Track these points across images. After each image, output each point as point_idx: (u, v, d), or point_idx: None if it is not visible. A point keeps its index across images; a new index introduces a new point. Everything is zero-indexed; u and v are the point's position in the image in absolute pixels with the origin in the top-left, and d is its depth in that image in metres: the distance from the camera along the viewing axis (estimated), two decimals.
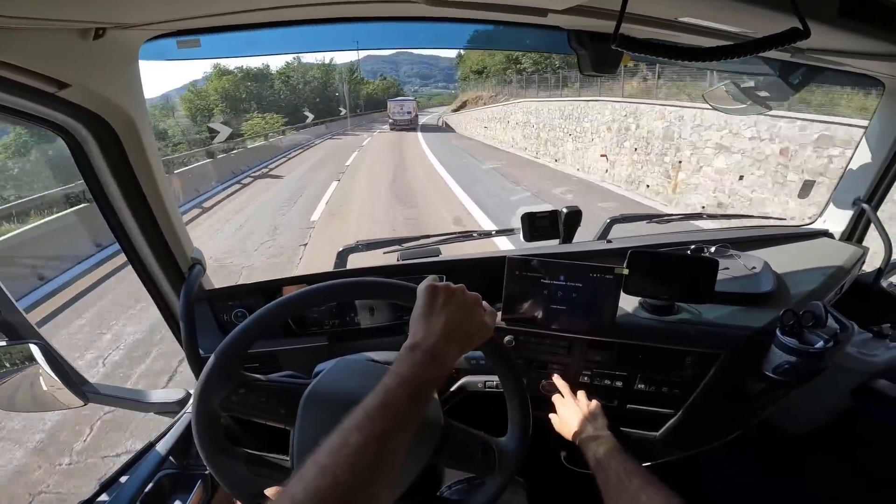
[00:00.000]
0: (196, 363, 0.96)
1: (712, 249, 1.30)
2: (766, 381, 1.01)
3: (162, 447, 1.01)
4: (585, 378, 1.05)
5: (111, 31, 0.67)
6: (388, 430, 0.49)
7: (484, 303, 0.66)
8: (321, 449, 0.48)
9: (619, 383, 1.04)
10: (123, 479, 0.95)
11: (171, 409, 1.13)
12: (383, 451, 0.48)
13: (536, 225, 1.33)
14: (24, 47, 0.57)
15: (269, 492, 0.70)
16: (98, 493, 0.91)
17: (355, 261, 1.29)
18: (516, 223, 1.36)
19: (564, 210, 1.34)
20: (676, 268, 1.02)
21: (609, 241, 1.35)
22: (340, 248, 1.29)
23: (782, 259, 1.31)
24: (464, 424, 0.72)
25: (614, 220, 1.47)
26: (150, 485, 0.94)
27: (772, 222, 2.23)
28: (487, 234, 1.37)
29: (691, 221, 1.61)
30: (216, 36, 0.86)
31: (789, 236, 1.56)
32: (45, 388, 0.92)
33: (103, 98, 0.72)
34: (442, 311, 0.60)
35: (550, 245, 1.36)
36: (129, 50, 0.75)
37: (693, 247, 1.28)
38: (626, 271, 0.98)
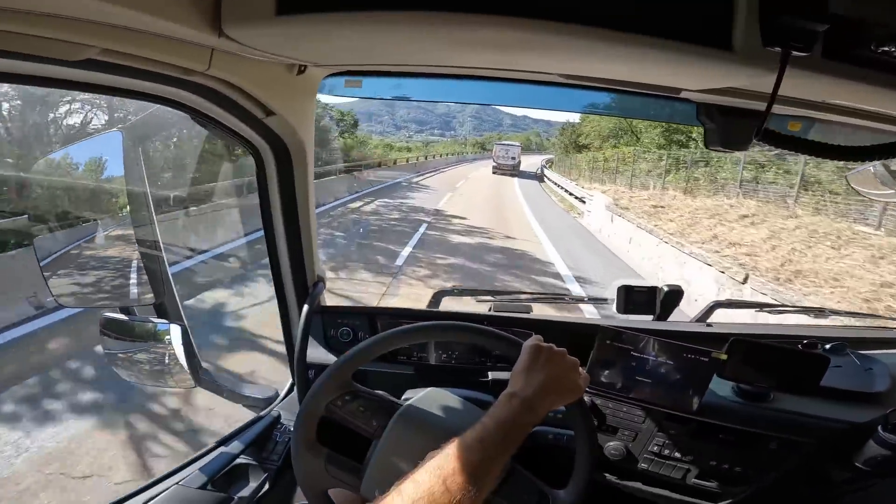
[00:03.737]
0: (302, 367, 1.05)
1: (826, 346, 1.22)
2: (853, 472, 0.95)
3: (244, 438, 1.10)
4: (655, 448, 1.05)
5: (310, 69, 0.82)
6: (480, 462, 0.57)
7: (580, 368, 0.73)
8: (419, 470, 0.57)
9: (689, 458, 1.03)
10: (207, 458, 1.04)
11: (257, 404, 1.22)
12: (473, 480, 0.55)
13: (633, 298, 1.32)
14: (253, 75, 0.71)
15: (332, 492, 0.80)
16: (183, 467, 1.01)
17: (448, 304, 1.35)
18: (610, 294, 1.37)
19: (665, 288, 1.33)
20: (781, 361, 1.00)
21: (709, 325, 1.30)
22: (436, 290, 1.37)
23: None
24: (527, 469, 0.76)
25: (718, 305, 1.43)
26: (226, 469, 1.02)
27: None
28: (579, 300, 1.39)
29: (807, 315, 1.50)
30: (373, 79, 1.00)
31: None
32: (169, 365, 1.03)
33: (291, 128, 0.87)
34: (542, 368, 0.68)
35: (643, 320, 1.34)
36: (313, 85, 0.91)
37: (805, 342, 1.22)
38: (724, 357, 0.97)
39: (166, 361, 1.03)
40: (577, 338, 1.11)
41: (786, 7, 0.44)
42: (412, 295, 5.66)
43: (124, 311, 0.95)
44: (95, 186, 0.81)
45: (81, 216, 0.84)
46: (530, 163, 43.19)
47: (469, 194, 16.75)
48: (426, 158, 32.25)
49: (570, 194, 17.15)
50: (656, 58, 0.54)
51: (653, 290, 1.32)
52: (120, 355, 1.03)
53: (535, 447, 1.07)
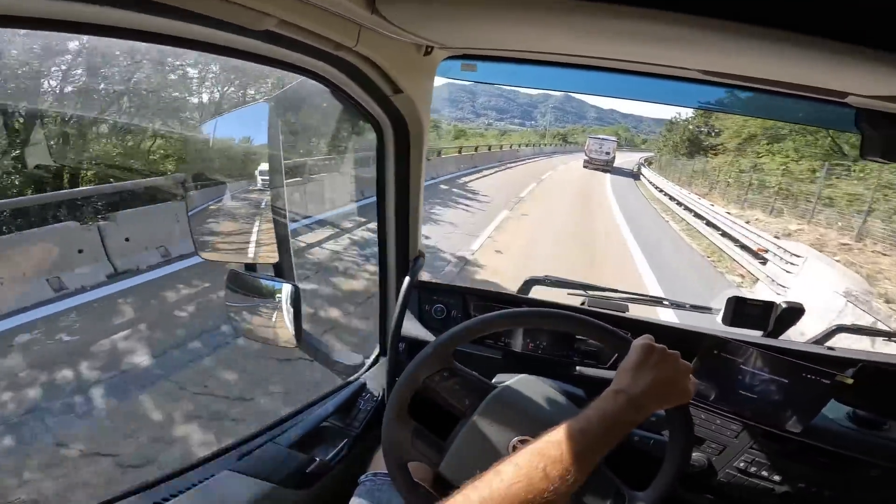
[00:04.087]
0: (396, 339, 1.09)
1: None
2: None
3: (331, 403, 1.17)
4: (741, 464, 1.02)
5: (436, 50, 0.85)
6: (581, 453, 0.57)
7: (692, 376, 0.71)
8: (520, 452, 0.58)
9: (777, 477, 1.00)
10: (297, 418, 1.12)
11: (345, 370, 1.29)
12: (572, 470, 0.55)
13: (744, 311, 1.25)
14: (389, 53, 0.75)
15: (412, 465, 0.81)
16: (276, 425, 1.09)
17: (537, 293, 1.33)
18: (716, 305, 1.30)
19: (783, 304, 1.24)
20: None
21: (831, 349, 1.20)
22: (528, 278, 1.36)
23: None
24: (607, 467, 0.76)
25: (841, 328, 1.32)
26: (312, 430, 1.09)
27: None
28: (680, 306, 1.31)
29: None
30: (489, 64, 1.01)
31: None
32: (275, 323, 1.12)
33: (413, 106, 0.91)
34: (654, 368, 0.67)
35: (752, 335, 1.25)
36: (434, 66, 0.94)
37: None
38: (849, 381, 0.92)
39: (274, 319, 1.12)
40: (676, 344, 1.07)
41: None
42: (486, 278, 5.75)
43: (248, 267, 1.04)
44: (240, 151, 0.91)
45: (224, 178, 0.94)
46: (624, 160, 39.48)
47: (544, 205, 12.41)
48: (489, 149, 26.27)
49: (700, 218, 11.05)
50: (835, 62, 0.51)
51: (769, 305, 1.24)
52: (237, 308, 1.14)
53: (619, 444, 1.07)
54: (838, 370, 0.94)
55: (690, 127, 29.64)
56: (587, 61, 0.89)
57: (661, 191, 17.80)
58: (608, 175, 26.30)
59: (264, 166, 0.93)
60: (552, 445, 0.58)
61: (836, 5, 0.43)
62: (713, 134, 27.30)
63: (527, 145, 36.21)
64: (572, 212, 12.10)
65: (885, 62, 0.46)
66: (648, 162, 35.31)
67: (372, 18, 0.59)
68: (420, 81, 0.91)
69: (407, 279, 1.13)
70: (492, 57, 0.96)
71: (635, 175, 28.63)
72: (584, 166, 29.61)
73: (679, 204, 13.72)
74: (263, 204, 0.94)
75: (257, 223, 0.97)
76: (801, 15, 0.43)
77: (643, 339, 0.71)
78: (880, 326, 4.86)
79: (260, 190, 0.94)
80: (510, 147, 32.30)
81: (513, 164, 25.66)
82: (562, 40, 0.73)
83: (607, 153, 29.82)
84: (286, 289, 1.06)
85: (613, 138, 34.44)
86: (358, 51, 0.69)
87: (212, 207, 1.03)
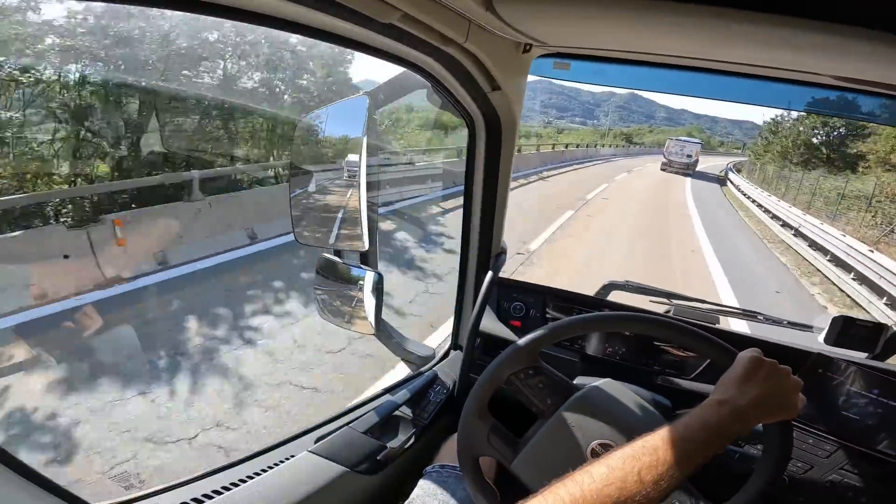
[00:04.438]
0: (473, 333, 1.10)
1: None
2: None
3: (403, 392, 1.19)
4: (828, 485, 0.97)
5: (534, 48, 0.84)
6: (677, 461, 0.55)
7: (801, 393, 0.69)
8: (612, 455, 0.56)
9: (864, 499, 0.95)
10: (372, 405, 1.15)
11: (417, 361, 1.31)
12: (667, 477, 0.54)
13: (851, 332, 1.16)
14: (492, 50, 0.76)
15: (482, 460, 0.82)
16: (353, 409, 1.13)
17: (616, 297, 1.28)
18: (817, 323, 1.22)
19: (895, 328, 1.15)
20: None
21: None
22: (607, 282, 1.31)
23: None
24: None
25: None
26: (385, 418, 1.11)
27: None
28: (776, 322, 1.21)
29: None
30: (581, 62, 0.99)
31: None
32: (356, 309, 1.16)
33: (508, 103, 0.91)
34: (762, 381, 0.65)
35: (855, 356, 1.14)
36: (529, 64, 0.93)
37: None
38: None
39: (356, 305, 1.17)
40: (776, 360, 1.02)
41: None
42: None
43: (337, 253, 1.10)
44: (340, 142, 0.96)
45: (324, 168, 1.00)
46: (706, 165, 34.97)
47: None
48: (538, 150, 22.06)
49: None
50: None
51: (879, 327, 1.16)
52: (324, 292, 1.20)
53: None
54: None
55: (814, 129, 23.81)
56: (684, 62, 0.87)
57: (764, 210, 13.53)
58: (688, 179, 24.19)
59: (352, 157, 0.98)
60: (648, 450, 0.56)
61: None
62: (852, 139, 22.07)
63: (579, 145, 30.94)
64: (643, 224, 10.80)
65: None
66: (738, 168, 31.31)
67: (484, 15, 0.60)
68: (516, 78, 0.91)
69: (489, 275, 1.13)
70: (584, 56, 0.94)
71: (721, 181, 26.06)
72: (662, 169, 27.55)
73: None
74: (351, 193, 0.98)
75: (346, 211, 1.01)
76: None
77: (752, 352, 0.69)
78: None
79: (348, 179, 0.98)
80: (562, 147, 27.06)
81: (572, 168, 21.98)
82: (659, 40, 0.71)
83: (689, 156, 27.61)
84: (370, 276, 1.09)
85: (697, 140, 31.91)
86: (465, 46, 0.71)
87: (308, 194, 1.09)
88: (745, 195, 17.30)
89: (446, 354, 1.33)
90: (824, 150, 23.91)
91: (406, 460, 1.12)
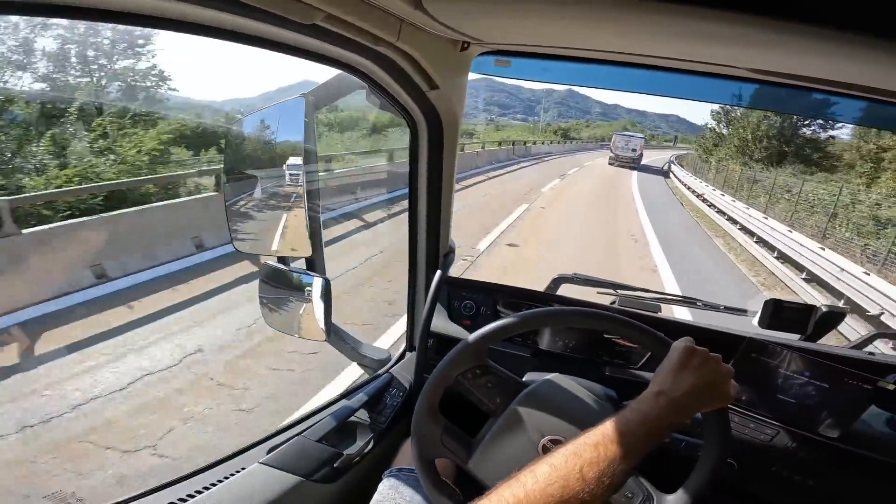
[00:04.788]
0: (425, 334, 1.09)
1: None
2: None
3: (358, 397, 1.17)
4: (774, 468, 1.01)
5: (472, 46, 0.84)
6: (618, 456, 0.56)
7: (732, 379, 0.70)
8: (556, 453, 0.57)
9: (810, 482, 0.99)
10: (326, 412, 1.12)
11: (372, 365, 1.29)
12: (609, 472, 0.55)
13: (782, 314, 1.22)
14: (427, 49, 0.75)
15: (438, 462, 0.81)
16: (305, 419, 1.10)
17: (566, 291, 1.31)
18: (751, 307, 1.27)
19: (824, 308, 1.22)
20: None
21: (871, 354, 1.16)
22: (556, 276, 1.34)
23: None
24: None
25: (881, 334, 1.31)
26: (340, 424, 1.09)
27: None
28: (714, 308, 1.28)
29: None
30: (522, 60, 1.00)
31: None
32: (305, 316, 1.13)
33: (448, 102, 0.91)
34: (695, 370, 0.66)
35: (788, 338, 1.22)
36: (469, 62, 0.93)
37: None
38: (891, 387, 0.93)
39: (304, 312, 1.14)
40: (710, 346, 1.06)
41: None
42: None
43: (281, 261, 1.06)
44: (277, 146, 0.92)
45: (261, 173, 0.96)
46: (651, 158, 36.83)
47: None
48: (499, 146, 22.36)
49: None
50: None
51: (809, 308, 1.22)
52: (270, 302, 1.16)
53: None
54: (879, 375, 0.92)
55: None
56: (622, 58, 0.88)
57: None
58: (634, 173, 25.49)
59: (293, 160, 0.94)
60: (589, 447, 0.57)
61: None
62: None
63: (514, 144, 27.00)
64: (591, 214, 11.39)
65: None
66: (680, 162, 32.51)
67: (415, 14, 0.59)
68: (455, 77, 0.91)
69: (438, 274, 1.13)
70: (525, 53, 0.95)
71: (664, 173, 27.59)
72: (610, 163, 28.88)
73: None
74: (294, 198, 0.95)
75: (289, 217, 0.98)
76: (864, 14, 0.42)
77: (684, 341, 0.70)
78: None
79: (289, 184, 0.95)
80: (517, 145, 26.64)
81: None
82: (598, 37, 0.72)
83: (634, 150, 29.03)
84: (317, 282, 1.07)
85: (641, 135, 33.29)
86: (398, 46, 0.70)
87: (246, 200, 1.05)
88: (688, 188, 17.98)
89: (402, 356, 1.32)
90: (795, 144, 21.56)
91: (365, 466, 1.10)
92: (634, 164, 28.58)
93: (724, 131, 27.23)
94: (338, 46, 0.65)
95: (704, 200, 14.30)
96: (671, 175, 25.17)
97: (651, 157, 39.32)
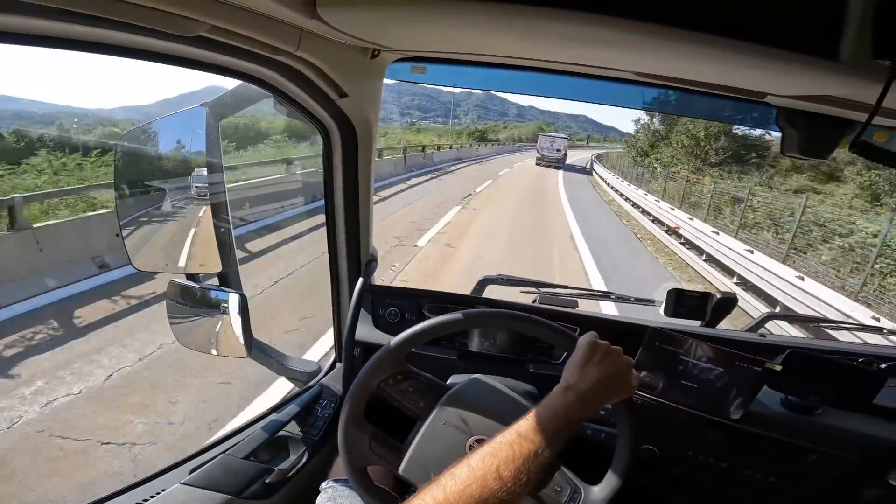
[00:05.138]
0: (350, 344, 1.08)
1: (883, 365, 1.17)
2: (886, 489, 0.97)
3: (287, 411, 1.14)
4: (690, 452, 1.06)
5: (382, 53, 0.84)
6: (533, 452, 0.59)
7: (633, 370, 0.74)
8: (473, 455, 0.58)
9: (724, 464, 1.05)
10: (251, 429, 1.08)
11: (301, 377, 1.26)
12: (525, 469, 0.57)
13: (683, 302, 1.31)
14: (333, 57, 0.74)
15: (374, 469, 0.82)
16: (229, 437, 1.05)
17: (491, 292, 1.35)
18: (658, 297, 1.35)
19: (718, 295, 1.32)
20: (836, 376, 0.98)
21: (762, 336, 1.28)
22: (482, 277, 1.38)
23: None
24: (561, 462, 0.78)
25: (772, 316, 1.42)
26: (269, 440, 1.06)
27: None
28: (626, 300, 1.37)
29: (865, 333, 1.43)
30: (438, 66, 1.01)
31: None
32: (223, 333, 1.07)
33: (361, 109, 0.89)
34: (598, 364, 0.70)
35: (691, 325, 1.32)
36: (382, 69, 0.92)
37: (861, 360, 1.17)
38: (778, 368, 0.96)
39: (221, 330, 1.08)
40: (622, 336, 1.12)
41: None
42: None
43: (191, 277, 0.99)
44: (176, 158, 0.86)
45: (160, 186, 0.89)
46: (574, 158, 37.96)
47: None
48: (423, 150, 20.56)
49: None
50: (751, 63, 0.54)
51: (705, 296, 1.31)
52: (181, 320, 1.08)
53: (573, 439, 1.10)
54: (770, 357, 0.97)
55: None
56: (527, 63, 0.90)
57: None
58: (560, 172, 26.55)
59: (199, 172, 0.89)
60: (504, 446, 0.59)
61: (755, 10, 0.47)
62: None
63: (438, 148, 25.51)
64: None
65: (797, 63, 0.50)
66: (599, 158, 34.35)
67: (313, 23, 0.57)
68: (367, 84, 0.89)
69: (360, 282, 1.12)
70: (440, 59, 0.95)
71: (587, 171, 28.96)
72: (537, 164, 30.00)
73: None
74: (202, 211, 0.89)
75: (196, 231, 0.92)
76: (720, 18, 0.46)
77: (588, 337, 0.74)
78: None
79: (195, 197, 0.89)
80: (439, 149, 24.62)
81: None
82: (498, 43, 0.74)
83: (558, 150, 30.29)
84: (233, 298, 1.02)
85: (564, 136, 34.72)
86: (299, 55, 0.67)
87: (147, 216, 0.97)
88: (622, 196, 16.08)
89: (332, 367, 1.30)
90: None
91: (301, 480, 1.08)
92: (560, 163, 29.86)
93: (660, 127, 24.63)
94: (231, 56, 0.62)
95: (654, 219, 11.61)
96: (594, 173, 26.49)
97: (572, 157, 40.76)
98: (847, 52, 0.46)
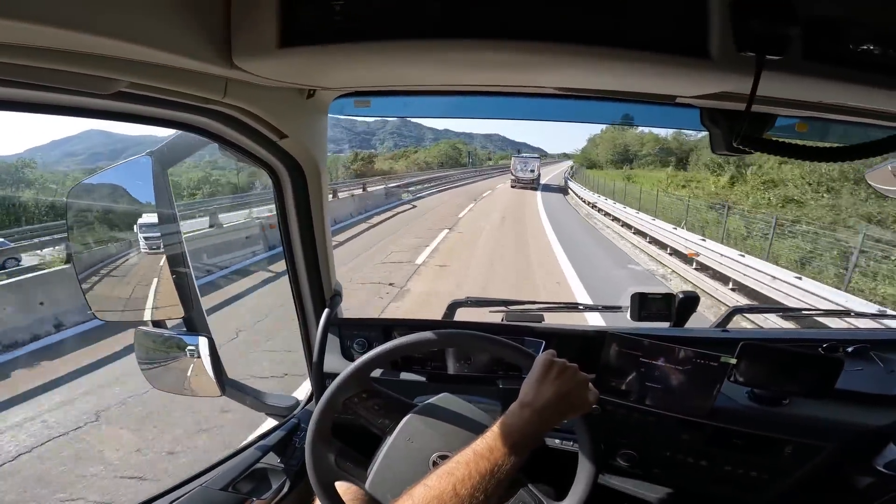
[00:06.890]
0: (319, 377, 1.09)
1: (849, 349, 1.18)
2: (877, 476, 0.95)
3: (266, 444, 1.16)
4: (668, 453, 1.05)
5: (319, 92, 0.87)
6: (489, 471, 0.59)
7: (590, 385, 0.75)
8: (430, 475, 0.59)
9: (703, 462, 1.04)
10: (230, 462, 1.09)
11: (279, 412, 1.27)
12: (483, 487, 0.57)
13: (647, 306, 1.32)
14: (265, 101, 0.77)
15: (339, 485, 0.84)
16: (208, 470, 1.06)
17: (462, 314, 1.37)
18: (624, 302, 1.37)
19: (681, 295, 1.32)
20: (792, 364, 0.99)
21: (726, 331, 1.28)
22: (451, 301, 1.40)
23: None
24: (525, 475, 0.78)
25: (737, 310, 1.43)
26: (248, 472, 1.07)
27: None
28: (594, 308, 1.39)
29: (832, 318, 1.43)
30: (380, 98, 1.05)
31: None
32: (195, 375, 1.08)
33: (305, 149, 0.92)
34: (554, 381, 0.71)
35: (659, 327, 1.33)
36: (324, 106, 0.96)
37: (826, 345, 1.18)
38: (732, 361, 0.98)
39: (194, 372, 1.08)
40: (587, 343, 1.14)
41: (755, 13, 0.45)
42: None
43: (156, 324, 1.01)
44: (127, 208, 0.88)
45: (114, 237, 0.91)
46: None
47: None
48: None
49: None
50: (643, 68, 0.57)
51: (668, 297, 1.32)
52: (152, 366, 1.09)
53: (542, 451, 1.08)
54: (731, 351, 0.98)
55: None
56: (461, 88, 0.93)
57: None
58: (539, 194, 26.21)
59: (145, 218, 0.90)
60: (461, 465, 0.60)
61: (633, 17, 0.50)
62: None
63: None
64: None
65: (676, 65, 0.52)
66: (574, 174, 34.72)
67: (234, 72, 0.60)
68: (308, 123, 0.92)
69: (324, 315, 1.13)
70: (380, 92, 0.98)
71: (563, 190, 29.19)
72: (513, 186, 29.97)
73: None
74: (157, 259, 0.91)
75: (156, 279, 0.93)
76: (619, 32, 0.49)
77: (544, 355, 0.75)
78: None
79: (146, 248, 0.91)
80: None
81: None
82: (431, 74, 0.77)
83: (532, 171, 30.39)
84: (202, 341, 1.03)
85: (537, 156, 35.03)
86: (229, 102, 0.70)
87: (103, 268, 0.99)
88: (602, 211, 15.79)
89: (310, 399, 1.30)
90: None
91: None
92: (535, 183, 29.86)
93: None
94: (158, 108, 0.64)
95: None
96: (570, 191, 26.73)
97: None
98: (715, 49, 0.49)
